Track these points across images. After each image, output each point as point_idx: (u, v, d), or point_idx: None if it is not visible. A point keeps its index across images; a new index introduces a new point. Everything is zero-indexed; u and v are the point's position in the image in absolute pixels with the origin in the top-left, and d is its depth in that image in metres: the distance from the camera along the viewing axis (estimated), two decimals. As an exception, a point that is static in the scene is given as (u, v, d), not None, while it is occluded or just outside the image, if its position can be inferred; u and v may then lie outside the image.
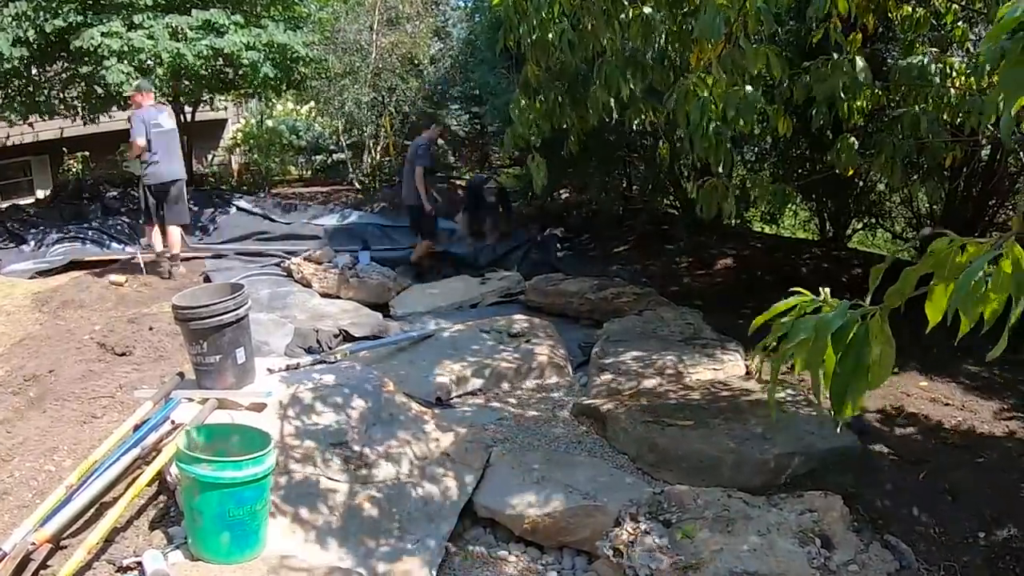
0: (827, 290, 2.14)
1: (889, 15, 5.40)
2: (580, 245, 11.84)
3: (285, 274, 10.33)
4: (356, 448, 4.84)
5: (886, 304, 1.90)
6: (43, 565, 3.97)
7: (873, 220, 10.88)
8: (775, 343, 2.14)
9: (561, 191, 13.74)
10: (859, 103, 4.62)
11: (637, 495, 4.61)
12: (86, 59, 11.68)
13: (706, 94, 4.16)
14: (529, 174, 5.27)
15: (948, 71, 4.98)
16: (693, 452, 5.09)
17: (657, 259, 10.90)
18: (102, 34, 11.34)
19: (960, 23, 5.53)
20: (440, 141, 18.19)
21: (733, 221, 10.07)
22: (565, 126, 5.14)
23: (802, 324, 2.01)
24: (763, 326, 2.24)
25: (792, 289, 2.20)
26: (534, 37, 4.61)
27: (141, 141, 9.16)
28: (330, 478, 4.61)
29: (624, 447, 5.47)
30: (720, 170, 4.48)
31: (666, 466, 5.13)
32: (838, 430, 4.82)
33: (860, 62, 4.47)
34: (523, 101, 5.08)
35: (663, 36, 4.42)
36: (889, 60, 7.24)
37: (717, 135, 4.26)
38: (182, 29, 12.04)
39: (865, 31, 5.07)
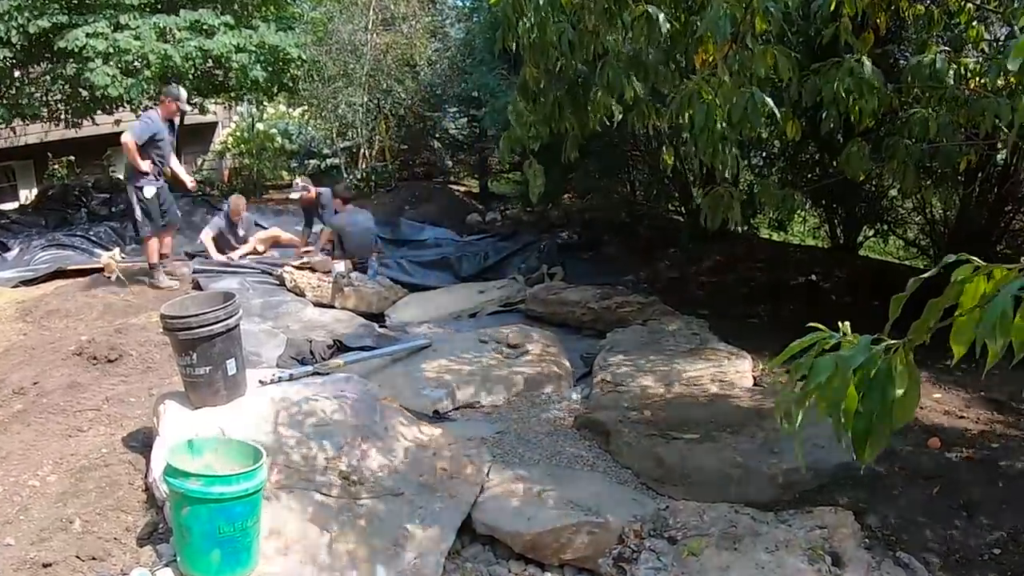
0: (847, 324, 2.11)
1: (901, 14, 5.42)
2: (582, 253, 11.84)
3: (277, 283, 10.31)
4: (351, 462, 4.84)
5: (911, 339, 1.87)
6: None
7: (885, 227, 10.88)
8: (796, 384, 2.13)
9: (563, 197, 13.75)
10: (869, 105, 4.61)
11: (641, 511, 4.62)
12: (71, 60, 11.72)
13: (711, 96, 4.16)
14: (527, 180, 5.26)
15: (962, 72, 4.99)
16: (699, 467, 5.10)
17: (662, 267, 10.91)
18: (87, 35, 11.38)
19: (975, 23, 5.54)
20: (436, 145, 18.22)
21: (740, 228, 10.08)
22: (565, 130, 5.14)
23: (822, 363, 1.98)
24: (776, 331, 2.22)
25: (809, 324, 2.16)
26: (533, 37, 4.62)
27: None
28: (324, 493, 4.61)
29: (628, 461, 5.47)
30: (727, 176, 4.49)
31: (671, 481, 5.14)
32: (861, 471, 4.82)
33: (868, 63, 4.47)
34: (521, 104, 5.08)
35: (667, 36, 4.42)
36: (902, 61, 7.25)
37: (722, 139, 4.26)
38: (170, 30, 12.08)
39: (877, 31, 5.09)
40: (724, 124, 4.23)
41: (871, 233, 11.23)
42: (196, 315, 4.93)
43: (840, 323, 2.11)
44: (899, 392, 1.88)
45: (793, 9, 4.56)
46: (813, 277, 10.03)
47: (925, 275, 1.98)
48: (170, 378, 6.51)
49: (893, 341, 1.89)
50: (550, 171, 5.29)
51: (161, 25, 11.97)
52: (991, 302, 1.72)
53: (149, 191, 9.24)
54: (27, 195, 16.88)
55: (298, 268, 10.43)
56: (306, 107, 17.86)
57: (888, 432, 1.92)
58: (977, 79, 5.00)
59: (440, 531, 4.61)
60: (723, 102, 4.13)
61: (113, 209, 13.74)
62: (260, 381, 5.65)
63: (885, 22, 5.14)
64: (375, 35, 15.97)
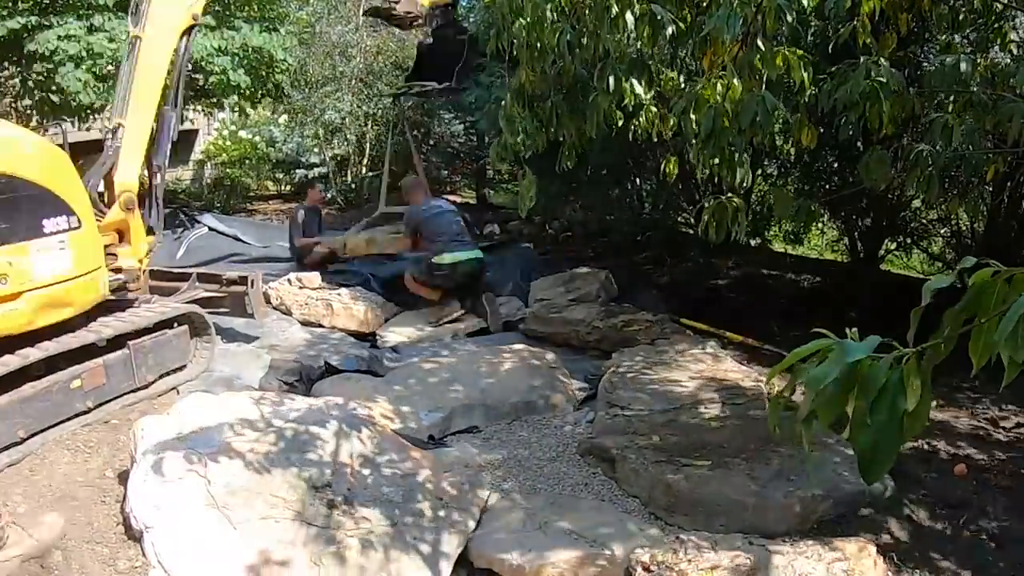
0: (855, 330, 2.07)
1: (924, 14, 5.43)
2: (585, 267, 11.84)
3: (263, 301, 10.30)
4: (340, 491, 4.85)
5: (929, 354, 1.85)
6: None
7: (908, 239, 10.87)
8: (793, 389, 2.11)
9: (565, 208, 13.74)
10: (889, 110, 4.61)
11: (649, 542, 4.61)
12: (40, 62, 11.73)
13: (719, 100, 4.17)
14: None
15: (988, 74, 5.00)
16: (710, 495, 5.10)
17: (671, 282, 10.92)
18: (59, 37, 11.39)
19: (1002, 22, 5.56)
20: (430, 153, 18.22)
21: (752, 241, 10.07)
22: (562, 138, 5.13)
23: (823, 370, 1.93)
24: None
25: (814, 330, 2.13)
26: (530, 38, 4.63)
27: None
28: (312, 523, 4.62)
29: (635, 489, 5.48)
30: (736, 185, 4.50)
31: (681, 510, 5.14)
32: (880, 492, 4.83)
33: (887, 64, 4.48)
34: (514, 109, 5.08)
35: (672, 36, 4.43)
36: (925, 64, 7.27)
37: (731, 147, 4.27)
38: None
39: (899, 31, 5.10)
40: (735, 130, 4.24)
41: (893, 246, 11.21)
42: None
43: (848, 329, 2.09)
44: (910, 405, 1.84)
45: (808, 9, 4.58)
46: (833, 293, 10.04)
47: (942, 283, 1.97)
48: (153, 400, 6.54)
49: (904, 350, 1.88)
50: (550, 181, 5.31)
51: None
52: (1011, 309, 1.71)
53: None
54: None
55: (290, 284, 10.42)
56: (290, 113, 17.85)
57: (897, 447, 1.88)
58: (1005, 82, 5.00)
59: (436, 564, 4.61)
60: (732, 106, 4.14)
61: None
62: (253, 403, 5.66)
63: (906, 22, 5.15)
64: (365, 36, 15.99)
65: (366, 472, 5.10)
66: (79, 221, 6.31)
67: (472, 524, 4.93)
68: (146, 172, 7.75)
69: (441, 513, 4.95)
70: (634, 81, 4.69)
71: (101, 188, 7.31)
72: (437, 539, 4.75)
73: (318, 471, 4.93)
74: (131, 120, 7.40)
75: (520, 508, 5.09)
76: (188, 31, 7.91)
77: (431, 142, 18.24)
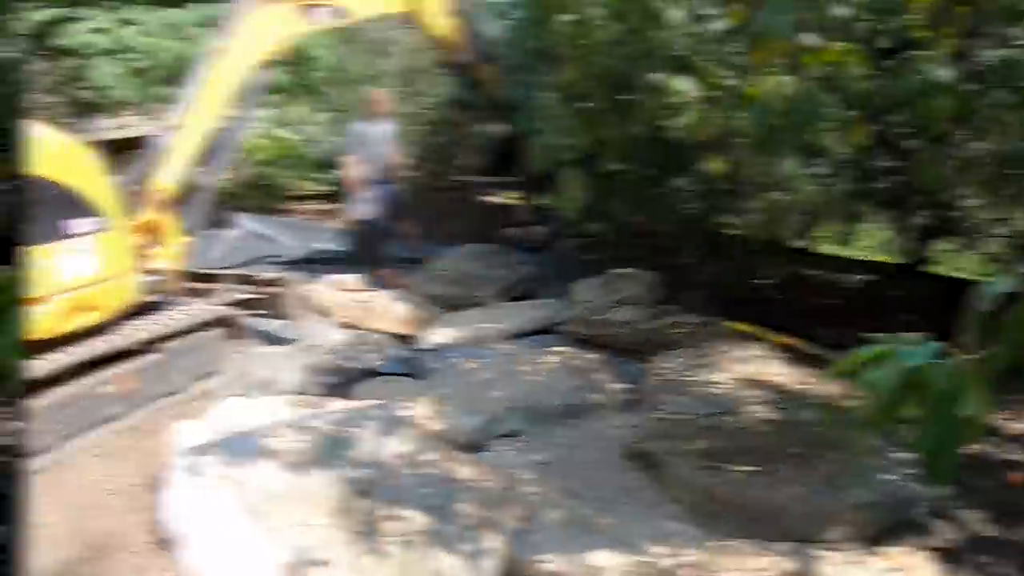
0: (916, 335, 2.05)
1: (981, 7, 5.35)
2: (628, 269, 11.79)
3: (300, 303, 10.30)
4: (380, 493, 4.84)
5: (991, 359, 1.84)
6: None
7: (964, 239, 10.71)
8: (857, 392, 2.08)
9: (607, 209, 13.67)
10: (943, 107, 4.54)
11: (693, 549, 4.58)
12: (71, 56, 11.76)
13: (770, 98, 4.11)
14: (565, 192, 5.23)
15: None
16: (756, 501, 5.05)
17: (715, 284, 10.85)
18: (89, 30, 11.41)
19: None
20: (472, 154, 18.16)
21: (800, 242, 9.98)
22: (606, 137, 5.09)
23: (882, 374, 1.94)
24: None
25: (865, 335, 2.12)
26: (575, 33, 4.60)
27: None
28: (355, 531, 4.60)
29: (680, 495, 5.43)
30: (785, 185, 4.46)
31: (726, 517, 5.09)
32: (938, 499, 4.77)
33: (941, 59, 4.41)
34: (557, 109, 5.05)
35: (721, 33, 4.39)
36: (981, 58, 7.17)
37: (781, 145, 4.22)
38: (183, 26, 12.10)
39: (956, 26, 5.03)
40: (786, 128, 4.19)
41: (948, 247, 11.07)
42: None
43: (908, 334, 2.06)
44: (970, 411, 1.84)
45: (861, 4, 4.52)
46: (883, 295, 9.94)
47: (1004, 287, 1.94)
48: (187, 405, 6.57)
49: (965, 357, 1.85)
50: (593, 181, 5.27)
51: (171, 20, 11.97)
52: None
53: None
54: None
55: (334, 287, 10.41)
56: (329, 112, 17.83)
57: (957, 452, 1.88)
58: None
59: (479, 564, 4.59)
60: (782, 104, 4.09)
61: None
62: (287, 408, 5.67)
63: (964, 16, 5.07)
64: (405, 33, 15.95)
65: (407, 473, 5.09)
66: (108, 222, 6.38)
67: (513, 525, 4.91)
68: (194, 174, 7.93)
69: (484, 519, 4.93)
70: (680, 79, 4.66)
71: (138, 188, 7.40)
72: (479, 540, 4.73)
73: (358, 473, 4.93)
74: (187, 123, 7.62)
75: (562, 513, 5.07)
76: (267, 63, 8.28)
77: (473, 142, 18.18)
